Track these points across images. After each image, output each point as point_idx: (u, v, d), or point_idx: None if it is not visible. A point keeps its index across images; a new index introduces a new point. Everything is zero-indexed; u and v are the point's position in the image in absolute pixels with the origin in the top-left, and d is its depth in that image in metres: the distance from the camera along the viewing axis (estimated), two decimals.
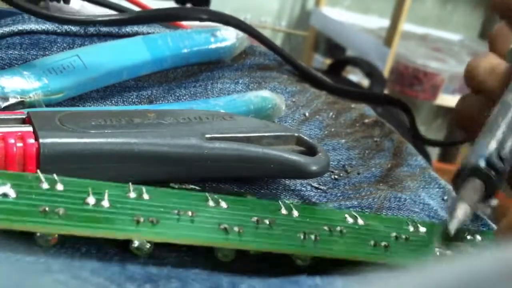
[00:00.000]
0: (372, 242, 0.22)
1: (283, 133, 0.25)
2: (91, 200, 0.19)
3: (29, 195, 0.18)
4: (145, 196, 0.20)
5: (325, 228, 0.22)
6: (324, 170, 0.25)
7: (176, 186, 0.23)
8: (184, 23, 0.38)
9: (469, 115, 0.31)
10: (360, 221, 0.23)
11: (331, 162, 0.29)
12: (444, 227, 0.23)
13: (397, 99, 0.42)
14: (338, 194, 0.27)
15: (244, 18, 0.35)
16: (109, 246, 0.19)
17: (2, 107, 0.25)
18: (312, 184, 0.27)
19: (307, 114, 0.33)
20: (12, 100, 0.26)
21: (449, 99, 1.47)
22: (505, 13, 0.30)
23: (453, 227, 0.22)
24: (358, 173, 0.29)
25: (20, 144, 0.21)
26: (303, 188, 0.27)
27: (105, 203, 0.19)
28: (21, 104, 0.26)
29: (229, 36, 0.34)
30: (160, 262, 0.20)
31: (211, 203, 0.21)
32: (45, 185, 0.19)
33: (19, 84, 0.26)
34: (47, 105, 0.27)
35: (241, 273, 0.18)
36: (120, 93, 0.30)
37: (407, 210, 0.27)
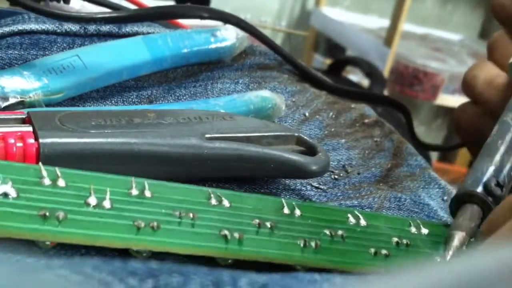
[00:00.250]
0: (372, 251, 0.22)
1: (283, 133, 0.25)
2: (92, 200, 0.19)
3: (30, 194, 0.18)
4: (147, 194, 0.20)
5: (326, 232, 0.22)
6: (324, 170, 0.25)
7: None
8: (184, 22, 0.38)
9: (467, 124, 0.31)
10: (363, 222, 0.23)
11: (331, 162, 0.29)
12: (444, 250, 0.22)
13: (395, 100, 0.42)
14: (338, 194, 0.27)
15: (244, 18, 0.35)
16: (109, 249, 0.19)
17: (2, 107, 0.25)
18: (312, 184, 0.27)
19: (307, 114, 0.33)
20: (12, 100, 0.26)
21: (449, 99, 1.47)
22: (505, 20, 0.29)
23: (449, 256, 0.22)
24: (358, 173, 0.29)
25: (20, 144, 0.21)
26: (303, 188, 0.27)
27: (107, 203, 0.19)
28: (21, 104, 0.26)
29: (229, 36, 0.34)
30: (161, 258, 0.20)
31: (213, 201, 0.21)
32: (47, 181, 0.19)
33: (19, 84, 0.26)
34: (47, 105, 0.27)
35: (242, 268, 0.18)
36: (120, 93, 0.30)
37: (407, 210, 0.27)
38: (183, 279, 0.16)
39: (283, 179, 0.27)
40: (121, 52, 0.30)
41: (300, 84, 0.36)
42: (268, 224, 0.21)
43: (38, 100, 0.26)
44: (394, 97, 0.48)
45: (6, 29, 0.30)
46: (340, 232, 0.22)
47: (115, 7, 0.35)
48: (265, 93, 0.30)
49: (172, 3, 0.54)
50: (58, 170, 0.19)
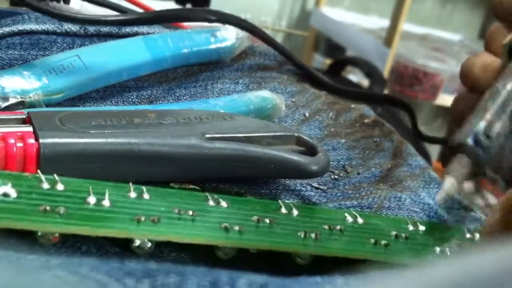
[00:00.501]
0: (372, 241, 0.22)
1: (283, 133, 0.25)
2: (91, 199, 0.19)
3: (30, 195, 0.18)
4: (146, 196, 0.20)
5: (325, 227, 0.22)
6: (324, 170, 0.25)
7: (176, 186, 0.23)
8: (185, 23, 0.38)
9: (464, 112, 0.31)
10: (360, 220, 0.23)
11: (331, 162, 0.29)
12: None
13: (399, 99, 0.42)
14: (338, 194, 0.27)
15: (243, 18, 0.35)
16: (110, 245, 0.19)
17: (2, 107, 0.25)
18: (312, 184, 0.27)
19: (307, 114, 0.33)
20: (12, 100, 0.26)
21: (449, 99, 1.47)
22: (502, 16, 0.30)
23: (440, 197, 0.24)
24: (358, 173, 0.29)
25: (20, 144, 0.21)
26: (303, 188, 0.27)
27: (106, 203, 0.19)
28: (21, 104, 0.26)
29: (229, 36, 0.34)
30: (159, 259, 0.20)
31: (211, 202, 0.21)
32: (46, 185, 0.19)
33: (19, 84, 0.26)
34: (47, 105, 0.27)
35: (241, 270, 0.18)
36: (120, 93, 0.30)
37: (407, 210, 0.27)
38: (180, 279, 0.16)
39: (283, 179, 0.27)
40: (121, 52, 0.30)
41: (300, 84, 0.36)
42: (267, 220, 0.21)
43: (38, 100, 0.26)
44: (394, 96, 0.48)
45: (6, 29, 0.30)
46: (338, 227, 0.22)
47: (115, 8, 0.35)
48: (265, 93, 0.30)
49: (172, 3, 0.54)
50: (56, 177, 0.19)
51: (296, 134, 0.26)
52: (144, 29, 0.33)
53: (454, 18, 1.85)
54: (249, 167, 0.24)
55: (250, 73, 0.35)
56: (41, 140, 0.21)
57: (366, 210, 0.26)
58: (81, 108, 0.28)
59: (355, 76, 1.19)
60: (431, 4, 1.82)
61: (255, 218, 0.21)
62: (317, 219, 0.22)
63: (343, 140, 0.32)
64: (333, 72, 0.86)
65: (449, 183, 0.24)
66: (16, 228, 0.18)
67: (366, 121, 0.35)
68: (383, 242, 0.22)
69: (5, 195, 0.18)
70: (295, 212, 0.22)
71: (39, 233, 0.18)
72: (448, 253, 0.23)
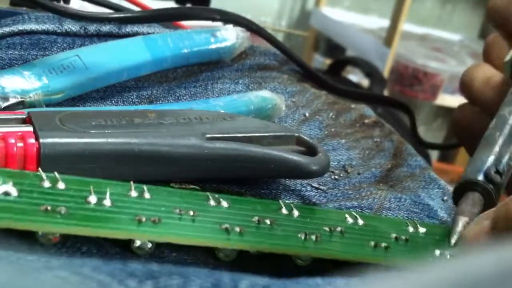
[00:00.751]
0: (372, 243, 0.22)
1: (283, 133, 0.25)
2: (92, 199, 0.19)
3: (31, 194, 0.18)
4: (147, 195, 0.20)
5: (326, 228, 0.22)
6: (324, 170, 0.25)
7: (176, 186, 0.23)
8: (185, 23, 0.38)
9: (465, 124, 0.31)
10: (360, 221, 0.23)
11: (331, 162, 0.29)
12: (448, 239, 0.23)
13: (398, 101, 0.42)
14: (338, 195, 0.27)
15: None
16: (110, 246, 0.19)
17: (2, 107, 0.25)
18: (312, 185, 0.27)
19: (307, 114, 0.33)
20: (12, 100, 0.26)
21: (449, 99, 1.47)
22: (499, 24, 0.30)
23: (453, 240, 0.23)
24: (358, 173, 0.29)
25: (20, 144, 0.21)
26: (303, 188, 0.27)
27: (107, 202, 0.19)
28: (21, 104, 0.26)
29: (229, 37, 0.34)
30: (161, 260, 0.20)
31: (212, 202, 0.21)
32: (47, 184, 0.19)
33: (19, 84, 0.26)
34: (47, 105, 0.27)
35: (242, 271, 0.18)
36: (120, 93, 0.30)
37: (407, 210, 0.27)
38: (183, 280, 0.16)
39: (283, 180, 0.27)
40: (121, 52, 0.30)
41: (300, 84, 0.36)
42: (267, 221, 0.21)
43: (38, 100, 0.26)
44: (394, 97, 0.49)
45: (6, 29, 0.30)
46: (339, 229, 0.22)
47: (115, 8, 0.35)
48: (265, 93, 0.30)
49: (172, 3, 0.54)
50: (57, 175, 0.19)
51: (296, 134, 0.26)
52: (144, 29, 0.33)
53: (454, 18, 1.85)
54: (249, 167, 0.24)
55: (250, 73, 0.35)
56: (41, 140, 0.21)
57: (366, 211, 0.26)
58: (81, 108, 0.28)
59: (355, 76, 1.19)
60: (431, 4, 1.82)
61: (255, 219, 0.21)
62: (318, 220, 0.22)
63: (343, 140, 0.32)
64: (333, 72, 0.86)
65: (463, 225, 0.23)
66: (16, 228, 0.18)
67: (366, 121, 0.35)
68: (383, 244, 0.22)
69: (6, 194, 0.18)
70: (295, 212, 0.22)
71: (40, 233, 0.18)
72: (448, 256, 0.23)
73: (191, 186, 0.24)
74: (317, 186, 0.27)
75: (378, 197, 0.27)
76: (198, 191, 0.22)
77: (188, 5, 0.54)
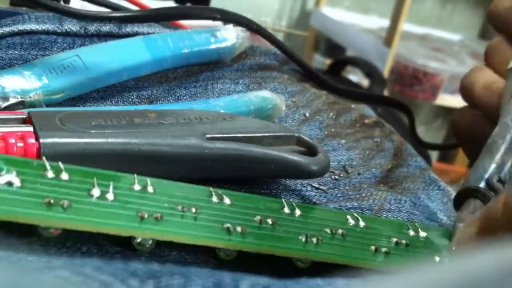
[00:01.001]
0: (373, 248, 0.22)
1: (283, 134, 0.25)
2: (95, 191, 0.19)
3: (34, 184, 0.18)
4: (150, 189, 0.20)
5: (327, 230, 0.22)
6: (324, 170, 0.25)
7: None
8: (185, 23, 0.38)
9: (466, 128, 0.31)
10: (362, 223, 0.23)
11: (332, 163, 0.29)
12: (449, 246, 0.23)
13: (399, 101, 0.42)
14: (339, 195, 0.27)
15: None
16: (110, 245, 0.19)
17: (3, 107, 0.25)
18: (313, 185, 0.27)
19: (307, 114, 0.33)
20: (12, 100, 0.26)
21: (449, 99, 1.47)
22: (501, 28, 0.30)
23: (454, 248, 0.23)
24: (359, 174, 0.29)
25: (20, 144, 0.21)
26: (303, 188, 0.27)
27: (110, 196, 0.19)
28: (21, 104, 0.26)
29: (229, 37, 0.34)
30: (162, 259, 0.20)
31: (214, 198, 0.21)
32: (50, 174, 0.19)
33: (19, 84, 0.26)
34: (47, 105, 0.27)
35: (243, 271, 0.18)
36: (120, 93, 0.30)
37: (407, 212, 0.27)
38: (184, 280, 0.16)
39: (284, 180, 0.27)
40: (121, 52, 0.30)
41: (300, 84, 0.36)
42: (269, 221, 0.21)
43: (38, 100, 0.26)
44: (394, 97, 0.49)
45: (7, 29, 0.30)
46: (340, 231, 0.22)
47: (115, 7, 0.35)
48: (266, 93, 0.30)
49: (172, 3, 0.54)
50: (61, 165, 0.19)
51: (296, 134, 0.26)
52: (144, 29, 0.33)
53: (454, 18, 1.85)
54: (250, 167, 0.24)
55: (250, 73, 0.35)
56: (41, 140, 0.21)
57: (367, 212, 0.26)
58: (81, 108, 0.28)
59: (355, 76, 1.19)
60: (431, 4, 1.82)
61: (257, 218, 0.21)
62: (319, 221, 0.22)
63: (343, 141, 0.32)
64: (333, 72, 0.86)
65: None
66: (18, 222, 0.18)
67: (366, 121, 0.35)
68: (383, 249, 0.22)
69: (9, 183, 0.18)
70: (297, 212, 0.22)
71: (42, 225, 0.18)
72: (448, 259, 0.23)
73: None
74: (317, 186, 0.27)
75: (378, 198, 0.27)
76: None
77: (188, 4, 0.54)
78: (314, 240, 0.21)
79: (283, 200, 0.23)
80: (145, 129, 0.23)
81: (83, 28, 0.32)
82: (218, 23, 0.35)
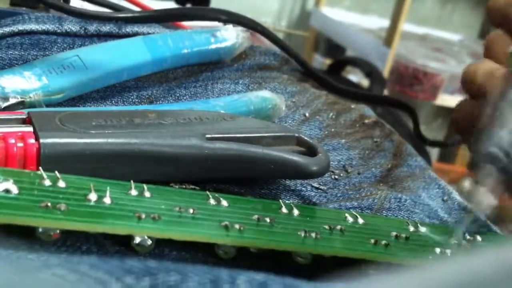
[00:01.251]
0: (372, 241, 0.22)
1: (283, 134, 0.25)
2: (92, 196, 0.19)
3: (31, 191, 0.18)
4: (147, 194, 0.20)
5: (326, 226, 0.22)
6: (324, 170, 0.25)
7: (177, 186, 0.23)
8: (185, 23, 0.38)
9: (466, 120, 0.31)
10: (361, 220, 0.23)
11: (331, 162, 0.29)
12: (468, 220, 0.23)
13: (401, 101, 0.42)
14: (339, 195, 0.27)
15: None
16: (110, 245, 0.19)
17: (2, 107, 0.25)
18: (313, 184, 0.27)
19: (307, 114, 0.33)
20: (12, 100, 0.26)
21: (449, 99, 1.47)
22: (500, 22, 0.30)
23: (477, 209, 0.23)
24: (359, 173, 0.29)
25: (20, 144, 0.21)
26: (303, 188, 0.27)
27: (107, 200, 0.19)
28: (21, 104, 0.26)
29: (229, 37, 0.34)
30: (159, 257, 0.20)
31: (212, 201, 0.21)
32: (47, 182, 0.19)
33: (19, 84, 0.26)
34: (47, 105, 0.27)
35: (241, 268, 0.18)
36: (120, 93, 0.30)
37: (407, 210, 0.27)
38: (181, 277, 0.16)
39: (283, 180, 0.27)
40: (121, 52, 0.30)
41: (300, 84, 0.36)
42: (267, 219, 0.21)
43: (38, 100, 0.26)
44: (397, 98, 0.49)
45: (6, 30, 0.30)
46: (339, 227, 0.22)
47: (115, 7, 0.35)
48: (266, 93, 0.30)
49: (172, 3, 0.54)
50: (58, 174, 0.19)
51: (296, 135, 0.26)
52: (144, 29, 0.33)
53: (454, 18, 1.85)
54: (250, 168, 0.24)
55: (250, 73, 0.35)
56: (41, 140, 0.21)
57: (367, 211, 0.26)
58: (81, 108, 0.28)
59: (355, 76, 1.19)
60: (431, 4, 1.82)
61: (255, 217, 0.21)
62: (318, 219, 0.22)
63: (343, 140, 0.32)
64: (333, 72, 0.86)
65: (483, 192, 0.24)
66: (17, 224, 0.18)
67: (366, 121, 0.35)
68: (383, 242, 0.22)
69: (7, 191, 0.18)
70: (295, 212, 0.22)
71: (40, 229, 0.18)
72: (448, 254, 0.23)
73: (191, 187, 0.24)
74: (317, 186, 0.27)
75: (378, 197, 0.27)
76: (198, 191, 0.22)
77: (188, 5, 0.54)
78: (313, 235, 0.21)
79: (280, 201, 0.23)
80: (145, 129, 0.23)
81: (83, 28, 0.32)
82: (218, 23, 0.35)
